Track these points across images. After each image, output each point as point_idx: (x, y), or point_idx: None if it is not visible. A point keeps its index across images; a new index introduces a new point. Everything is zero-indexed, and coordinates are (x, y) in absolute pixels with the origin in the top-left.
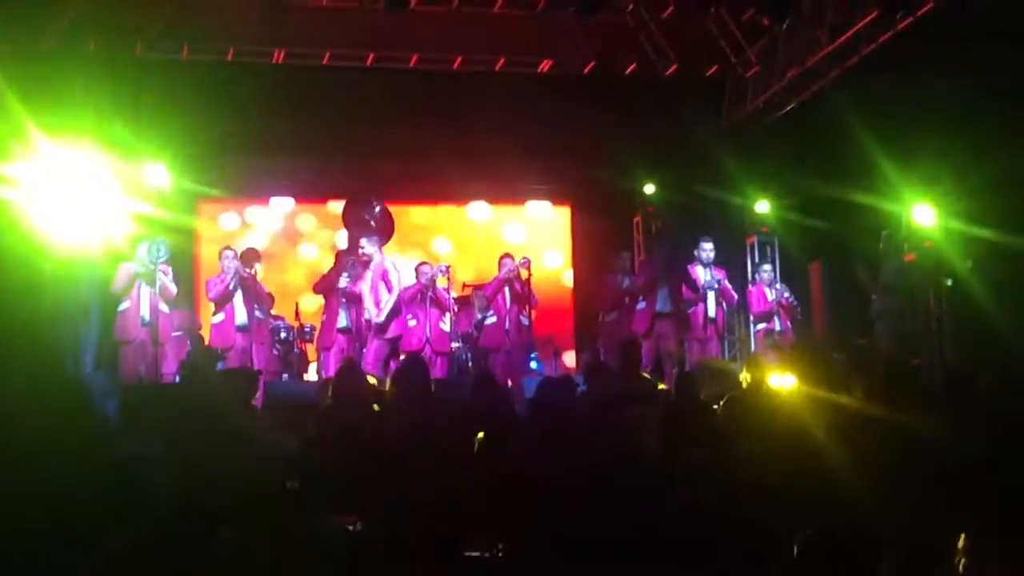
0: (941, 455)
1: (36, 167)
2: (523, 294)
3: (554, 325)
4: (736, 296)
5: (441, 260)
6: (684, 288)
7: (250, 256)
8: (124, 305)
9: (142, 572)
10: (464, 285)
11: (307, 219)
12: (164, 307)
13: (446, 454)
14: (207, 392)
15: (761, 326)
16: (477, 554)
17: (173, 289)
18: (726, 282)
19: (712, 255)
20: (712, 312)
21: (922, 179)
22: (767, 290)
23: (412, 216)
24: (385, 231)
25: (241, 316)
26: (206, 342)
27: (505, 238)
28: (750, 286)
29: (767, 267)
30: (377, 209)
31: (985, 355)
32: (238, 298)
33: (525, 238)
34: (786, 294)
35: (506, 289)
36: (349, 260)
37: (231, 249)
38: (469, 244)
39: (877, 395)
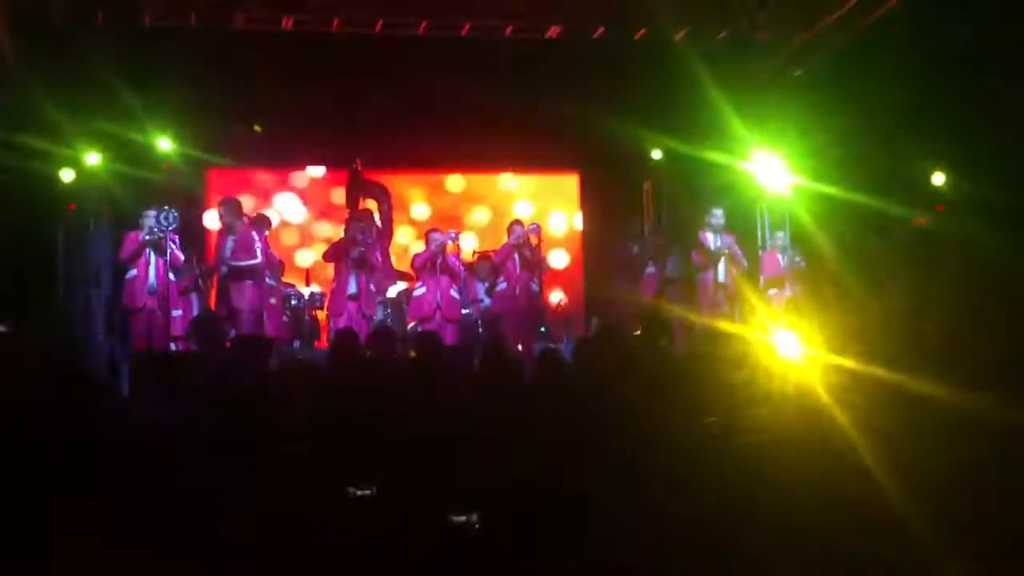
0: (947, 418)
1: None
2: (533, 260)
3: (564, 292)
4: (746, 262)
5: (450, 227)
6: (695, 253)
7: (260, 223)
8: (132, 273)
9: (159, 539)
10: (474, 252)
11: (318, 188)
12: (172, 275)
13: (453, 420)
14: (218, 360)
15: (773, 291)
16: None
17: (181, 257)
18: (736, 247)
19: (723, 221)
20: (722, 277)
21: (935, 142)
22: (780, 256)
23: (421, 184)
24: (374, 196)
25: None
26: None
27: (514, 205)
28: (762, 251)
29: (780, 233)
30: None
31: (998, 319)
32: None
33: (534, 205)
34: (798, 260)
35: (516, 255)
36: (357, 226)
37: (246, 216)
38: (479, 211)
39: (887, 358)
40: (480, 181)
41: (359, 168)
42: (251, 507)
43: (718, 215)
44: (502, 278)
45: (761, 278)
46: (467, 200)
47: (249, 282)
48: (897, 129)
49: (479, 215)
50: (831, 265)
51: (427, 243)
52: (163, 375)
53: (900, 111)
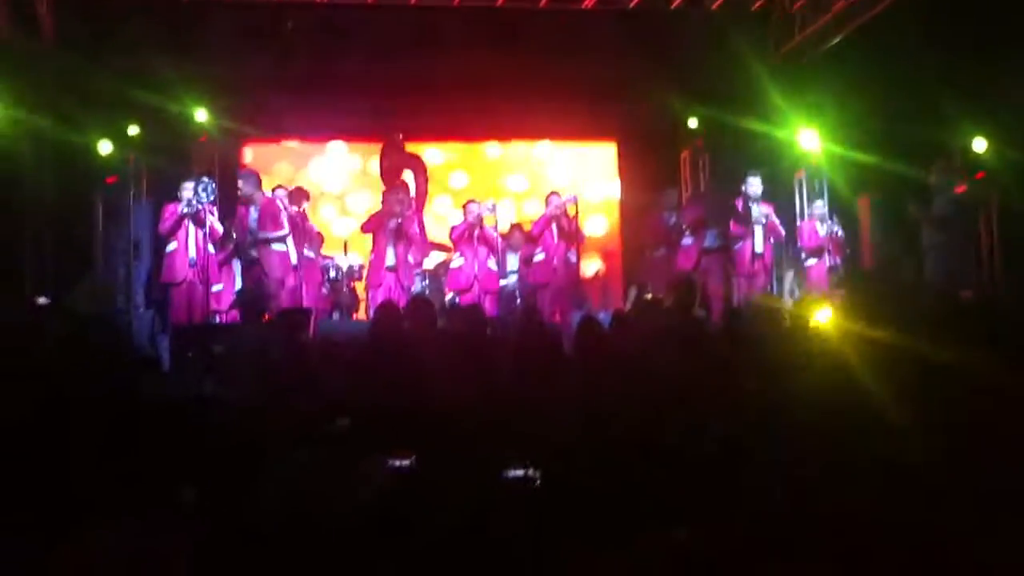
0: (980, 389)
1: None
2: (570, 231)
3: (602, 261)
4: (783, 231)
5: (488, 196)
6: (732, 223)
7: (298, 195)
8: (172, 246)
9: (195, 513)
10: (512, 224)
11: (355, 159)
12: (211, 248)
13: (493, 388)
14: (259, 332)
15: (812, 262)
16: (520, 473)
17: (220, 230)
18: (774, 217)
19: (760, 190)
20: (759, 247)
21: (977, 108)
22: (819, 225)
23: (458, 152)
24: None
25: (292, 255)
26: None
27: (552, 175)
28: (800, 221)
29: (819, 202)
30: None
31: None
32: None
33: (571, 175)
34: (836, 229)
35: (553, 226)
36: (395, 198)
37: (283, 188)
38: (515, 181)
39: (923, 329)
40: (517, 149)
41: (400, 140)
42: (290, 483)
43: (755, 183)
44: (540, 249)
45: (800, 248)
46: (504, 168)
47: (276, 251)
48: (936, 97)
49: (516, 183)
50: (869, 235)
51: (465, 214)
52: (204, 348)
53: (938, 78)
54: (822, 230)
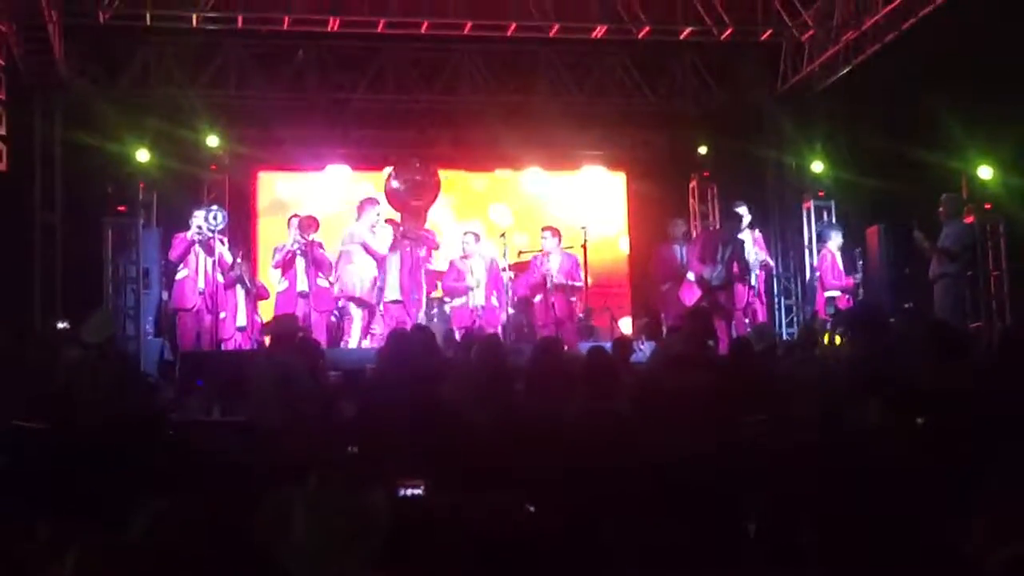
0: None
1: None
2: (565, 285)
3: (610, 292)
4: (771, 259)
5: (497, 228)
6: (736, 260)
7: (308, 224)
8: (182, 273)
9: (202, 536)
10: (520, 252)
11: (364, 187)
12: (219, 276)
13: (503, 416)
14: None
15: (832, 292)
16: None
17: (229, 258)
18: (761, 242)
19: (747, 219)
20: (753, 280)
21: (984, 139)
22: (839, 260)
23: (468, 183)
24: (422, 196)
25: (302, 283)
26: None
27: (560, 204)
28: (817, 253)
29: (835, 234)
30: (416, 177)
31: None
32: (300, 265)
33: (580, 204)
34: (853, 278)
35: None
36: (398, 230)
37: (297, 217)
38: (525, 210)
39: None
40: (528, 178)
41: (394, 173)
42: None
43: (741, 212)
44: (540, 295)
45: (819, 278)
46: (511, 197)
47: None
48: (943, 128)
49: (525, 212)
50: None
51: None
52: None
53: (945, 109)
54: (840, 259)
